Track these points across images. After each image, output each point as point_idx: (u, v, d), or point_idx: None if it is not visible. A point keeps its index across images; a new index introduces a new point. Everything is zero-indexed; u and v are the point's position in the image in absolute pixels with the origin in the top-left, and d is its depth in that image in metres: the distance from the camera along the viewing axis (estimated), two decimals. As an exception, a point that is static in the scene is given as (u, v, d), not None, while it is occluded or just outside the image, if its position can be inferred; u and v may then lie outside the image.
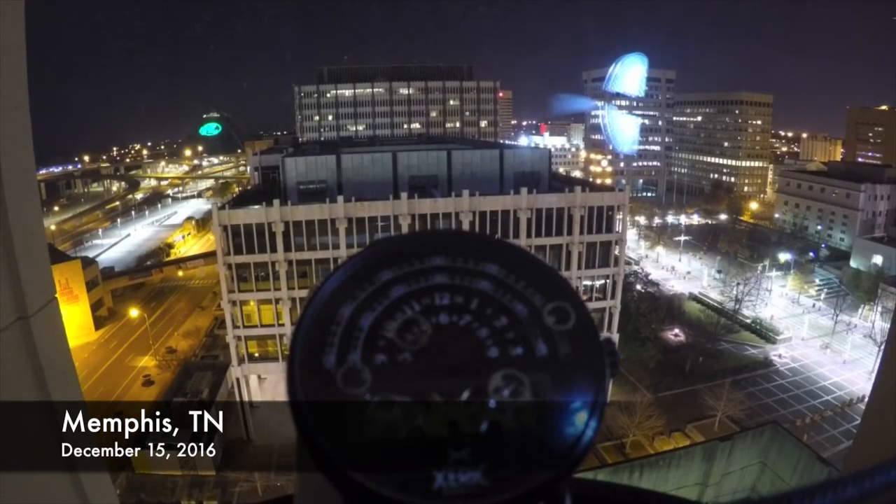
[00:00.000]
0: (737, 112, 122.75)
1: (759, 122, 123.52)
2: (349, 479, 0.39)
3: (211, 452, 32.45)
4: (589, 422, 0.43)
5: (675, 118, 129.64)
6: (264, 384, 39.21)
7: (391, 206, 35.36)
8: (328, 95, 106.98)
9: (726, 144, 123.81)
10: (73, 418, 1.50)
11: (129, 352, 47.46)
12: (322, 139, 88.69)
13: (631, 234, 69.42)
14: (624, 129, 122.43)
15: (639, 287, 52.24)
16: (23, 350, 1.33)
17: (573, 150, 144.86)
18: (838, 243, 78.88)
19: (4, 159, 1.29)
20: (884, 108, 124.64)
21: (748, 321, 52.70)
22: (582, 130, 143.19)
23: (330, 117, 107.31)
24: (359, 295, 0.47)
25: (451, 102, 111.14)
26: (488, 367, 0.44)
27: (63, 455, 1.44)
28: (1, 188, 1.29)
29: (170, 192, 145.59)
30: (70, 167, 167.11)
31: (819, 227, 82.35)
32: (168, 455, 32.13)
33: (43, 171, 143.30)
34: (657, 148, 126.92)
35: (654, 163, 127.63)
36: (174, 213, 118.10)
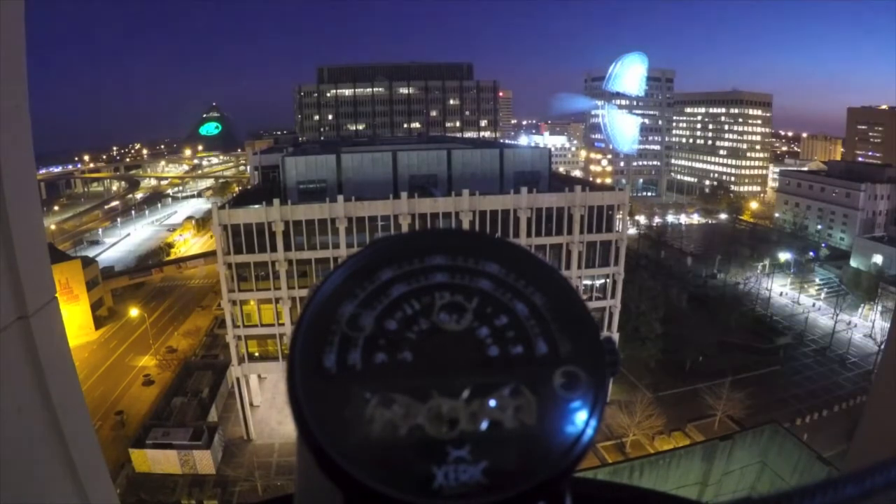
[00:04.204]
0: (737, 111, 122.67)
1: (759, 122, 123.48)
2: (349, 477, 0.39)
3: (211, 451, 32.51)
4: (589, 421, 0.42)
5: (675, 117, 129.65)
6: (264, 384, 39.23)
7: (391, 206, 35.36)
8: (328, 95, 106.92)
9: (726, 144, 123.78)
10: (73, 418, 1.50)
11: (130, 351, 47.46)
12: (322, 138, 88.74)
13: (631, 232, 69.33)
14: (624, 129, 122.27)
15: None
16: (23, 350, 1.33)
17: (573, 149, 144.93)
18: (838, 243, 78.88)
19: (4, 159, 1.29)
20: (884, 107, 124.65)
21: (748, 321, 52.67)
22: (582, 130, 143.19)
23: (330, 117, 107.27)
24: (359, 294, 0.46)
25: (451, 102, 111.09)
26: (488, 365, 0.44)
27: (63, 455, 1.44)
28: (1, 188, 1.29)
29: (170, 191, 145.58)
30: (70, 167, 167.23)
31: (819, 227, 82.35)
32: (168, 454, 32.19)
33: (43, 171, 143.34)
34: (657, 147, 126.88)
35: (654, 162, 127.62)
36: (174, 212, 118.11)
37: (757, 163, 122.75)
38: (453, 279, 0.47)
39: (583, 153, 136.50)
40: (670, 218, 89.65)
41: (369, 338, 0.44)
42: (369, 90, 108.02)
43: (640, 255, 71.52)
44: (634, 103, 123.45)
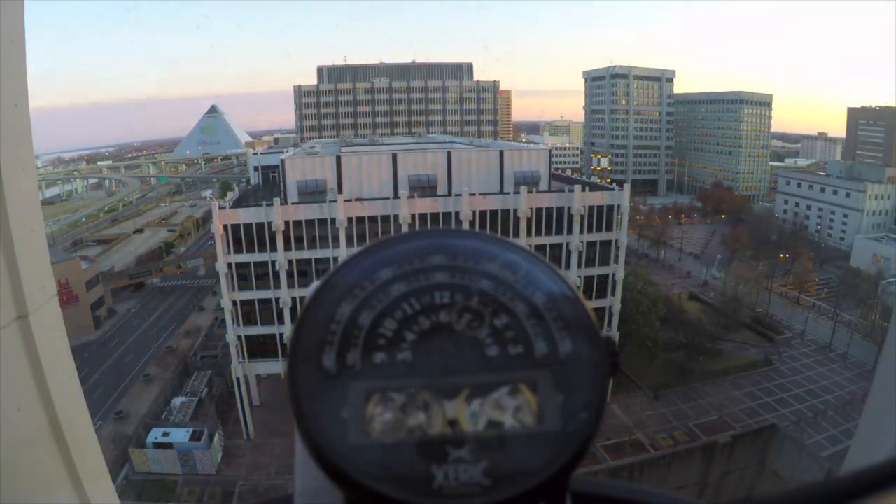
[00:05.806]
0: (737, 111, 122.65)
1: (759, 122, 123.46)
2: (349, 477, 0.39)
3: (211, 451, 32.51)
4: (589, 421, 0.43)
5: (675, 117, 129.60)
6: (264, 384, 39.22)
7: (391, 206, 35.37)
8: (328, 94, 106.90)
9: (726, 143, 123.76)
10: (73, 418, 1.50)
11: (129, 351, 47.46)
12: (322, 138, 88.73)
13: (630, 232, 69.30)
14: (624, 128, 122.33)
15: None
16: (22, 349, 1.32)
17: (573, 149, 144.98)
18: (838, 243, 78.91)
19: (4, 159, 1.28)
20: (885, 105, 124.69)
21: (748, 320, 52.69)
22: (582, 130, 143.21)
23: (330, 117, 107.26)
24: (359, 294, 0.46)
25: (452, 102, 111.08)
26: (488, 365, 0.44)
27: (63, 455, 1.44)
28: (1, 188, 1.28)
29: (169, 191, 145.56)
30: (70, 166, 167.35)
31: (819, 227, 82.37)
32: (168, 454, 32.18)
33: (42, 170, 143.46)
34: (657, 147, 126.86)
35: (654, 162, 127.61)
36: (174, 212, 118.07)
37: (757, 163, 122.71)
38: (453, 279, 0.47)
39: (583, 153, 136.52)
40: (670, 217, 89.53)
41: (369, 337, 0.44)
42: (369, 89, 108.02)
43: (640, 254, 71.54)
44: (634, 103, 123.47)
